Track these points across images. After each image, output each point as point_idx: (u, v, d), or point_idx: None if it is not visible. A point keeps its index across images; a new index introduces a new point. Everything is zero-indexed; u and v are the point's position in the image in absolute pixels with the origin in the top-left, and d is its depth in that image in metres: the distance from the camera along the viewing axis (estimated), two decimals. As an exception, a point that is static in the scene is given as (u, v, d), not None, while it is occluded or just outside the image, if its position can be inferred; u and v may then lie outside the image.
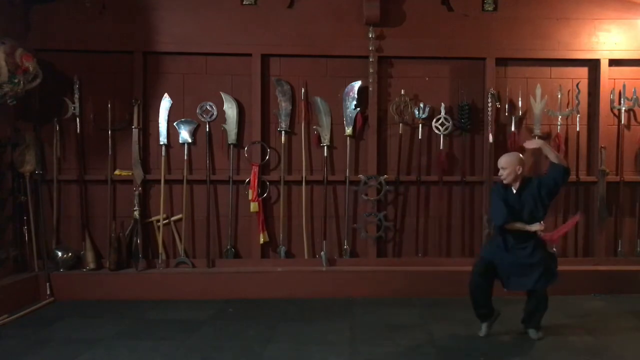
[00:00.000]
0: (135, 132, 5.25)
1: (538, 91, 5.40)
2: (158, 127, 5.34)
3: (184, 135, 5.35)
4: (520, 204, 3.88)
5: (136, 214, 5.19)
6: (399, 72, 5.45)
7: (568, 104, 5.50)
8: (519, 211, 3.87)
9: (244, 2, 5.33)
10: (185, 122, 5.36)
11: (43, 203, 5.16)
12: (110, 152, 5.25)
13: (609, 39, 5.41)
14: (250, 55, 5.32)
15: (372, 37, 5.25)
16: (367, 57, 5.29)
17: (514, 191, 3.91)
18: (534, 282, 3.86)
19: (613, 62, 5.43)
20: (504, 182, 3.92)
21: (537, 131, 5.40)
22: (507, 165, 3.87)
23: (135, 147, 5.26)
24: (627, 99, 5.44)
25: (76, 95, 5.21)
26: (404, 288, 5.19)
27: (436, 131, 5.38)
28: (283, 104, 5.37)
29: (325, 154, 5.39)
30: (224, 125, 5.34)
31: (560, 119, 5.44)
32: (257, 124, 5.34)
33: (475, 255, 5.46)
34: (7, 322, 4.40)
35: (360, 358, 3.68)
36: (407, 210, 5.51)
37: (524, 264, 3.88)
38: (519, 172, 3.88)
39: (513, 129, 5.40)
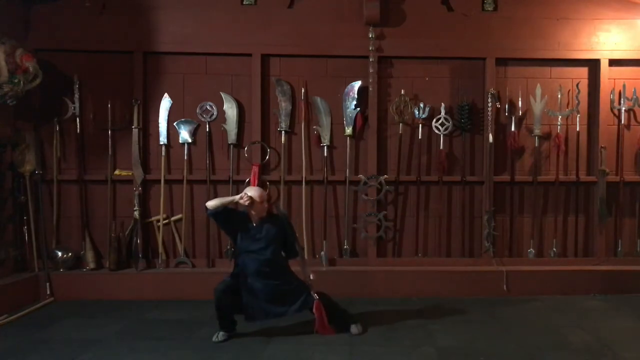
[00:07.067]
0: (135, 132, 5.25)
1: (538, 91, 5.40)
2: (158, 127, 5.35)
3: (184, 135, 5.35)
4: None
5: (136, 214, 5.20)
6: (399, 72, 5.45)
7: (568, 104, 5.50)
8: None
9: (244, 2, 5.34)
10: (185, 122, 5.36)
11: (43, 203, 5.16)
12: (110, 152, 5.26)
13: (609, 39, 5.42)
14: (250, 55, 5.33)
15: (372, 37, 5.26)
16: (367, 57, 5.30)
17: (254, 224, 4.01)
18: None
19: (613, 62, 5.44)
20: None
21: (537, 131, 5.40)
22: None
23: (135, 147, 5.26)
24: (627, 99, 5.45)
25: (76, 95, 5.22)
26: (404, 288, 5.20)
27: (436, 131, 5.38)
28: (283, 104, 5.37)
29: (325, 154, 5.38)
30: (224, 125, 5.34)
31: (560, 119, 5.44)
32: (257, 124, 5.35)
33: (475, 255, 5.49)
34: (7, 322, 4.40)
35: (360, 358, 3.68)
36: (407, 210, 5.51)
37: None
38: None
39: (513, 128, 5.40)
